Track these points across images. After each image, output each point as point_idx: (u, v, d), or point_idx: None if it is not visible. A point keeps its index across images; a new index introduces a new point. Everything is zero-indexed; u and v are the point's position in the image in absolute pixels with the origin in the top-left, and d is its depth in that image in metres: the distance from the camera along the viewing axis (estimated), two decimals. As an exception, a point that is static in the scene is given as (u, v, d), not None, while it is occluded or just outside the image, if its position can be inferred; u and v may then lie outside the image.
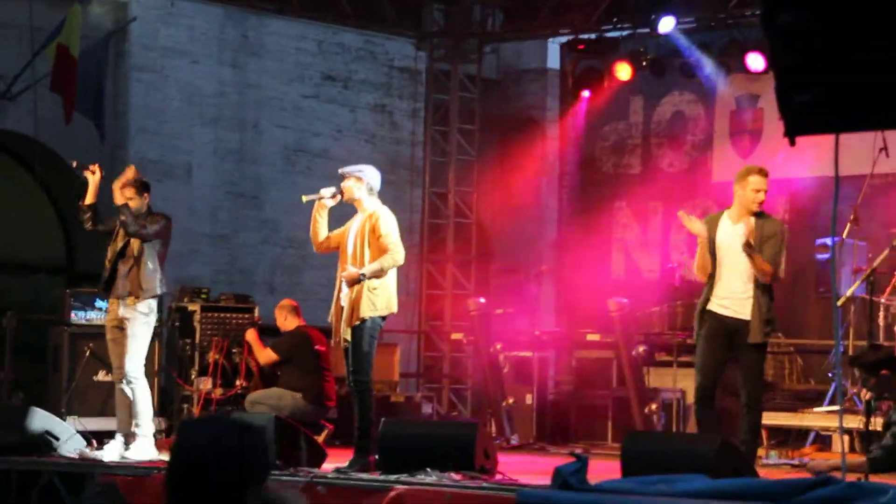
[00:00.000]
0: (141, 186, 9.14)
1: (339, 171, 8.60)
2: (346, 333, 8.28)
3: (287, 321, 11.00)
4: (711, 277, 8.20)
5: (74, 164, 9.41)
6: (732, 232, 8.14)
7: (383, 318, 8.34)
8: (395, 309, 8.45)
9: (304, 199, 8.59)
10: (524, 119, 15.78)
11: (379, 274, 8.22)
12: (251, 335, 11.07)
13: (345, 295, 8.30)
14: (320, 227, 8.51)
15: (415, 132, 15.26)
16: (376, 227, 8.25)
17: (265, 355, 10.87)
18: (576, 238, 14.83)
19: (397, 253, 8.26)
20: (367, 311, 8.20)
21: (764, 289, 8.07)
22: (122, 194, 9.06)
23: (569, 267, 14.75)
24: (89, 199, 9.17)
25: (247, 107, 14.30)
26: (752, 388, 8.11)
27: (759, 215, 8.17)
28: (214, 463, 2.96)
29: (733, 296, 8.09)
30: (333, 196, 8.46)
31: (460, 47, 14.83)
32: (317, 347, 10.78)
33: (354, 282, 8.20)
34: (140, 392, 8.92)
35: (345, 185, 8.43)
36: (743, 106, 13.87)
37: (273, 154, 14.47)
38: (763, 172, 8.22)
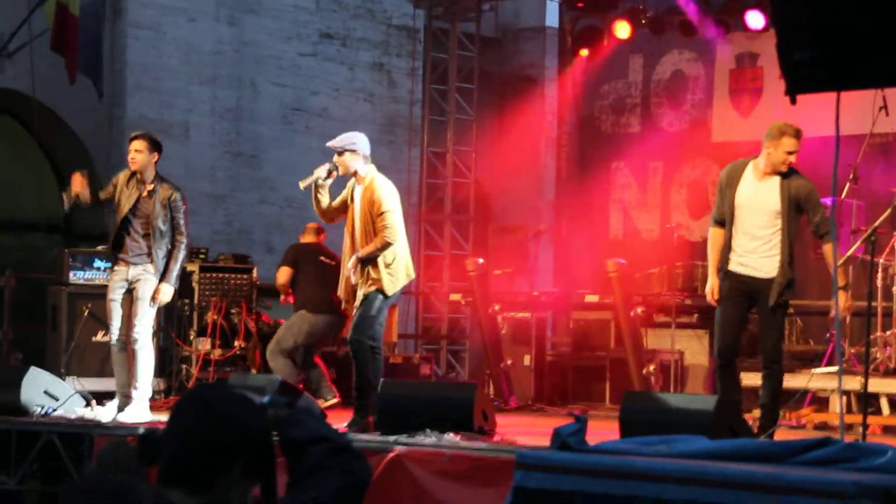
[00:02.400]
0: (154, 143, 9.06)
1: (329, 144, 8.40)
2: (359, 299, 8.24)
3: (304, 237, 11.04)
4: (726, 235, 7.96)
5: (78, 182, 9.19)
6: (756, 190, 7.89)
7: (396, 294, 8.35)
8: (413, 274, 8.45)
9: (302, 185, 8.43)
10: (523, 78, 15.73)
11: (374, 255, 8.19)
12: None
13: (354, 275, 8.24)
14: (324, 205, 8.41)
15: (413, 91, 15.20)
16: (375, 202, 8.20)
17: (279, 274, 10.75)
18: (574, 198, 14.80)
19: (390, 234, 8.17)
20: (390, 289, 8.21)
21: (788, 248, 7.85)
22: (132, 146, 9.00)
23: (567, 227, 14.73)
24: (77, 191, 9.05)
25: (244, 65, 14.24)
26: (771, 348, 7.93)
27: (785, 174, 7.90)
28: (194, 431, 2.94)
29: (750, 254, 7.88)
30: (330, 174, 8.38)
31: (459, 5, 14.75)
32: (322, 258, 10.61)
33: (357, 266, 8.19)
34: (144, 354, 8.92)
35: (339, 160, 8.33)
36: (743, 64, 13.81)
37: (271, 113, 14.42)
38: (798, 134, 7.91)
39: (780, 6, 4.14)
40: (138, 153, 8.96)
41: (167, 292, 8.96)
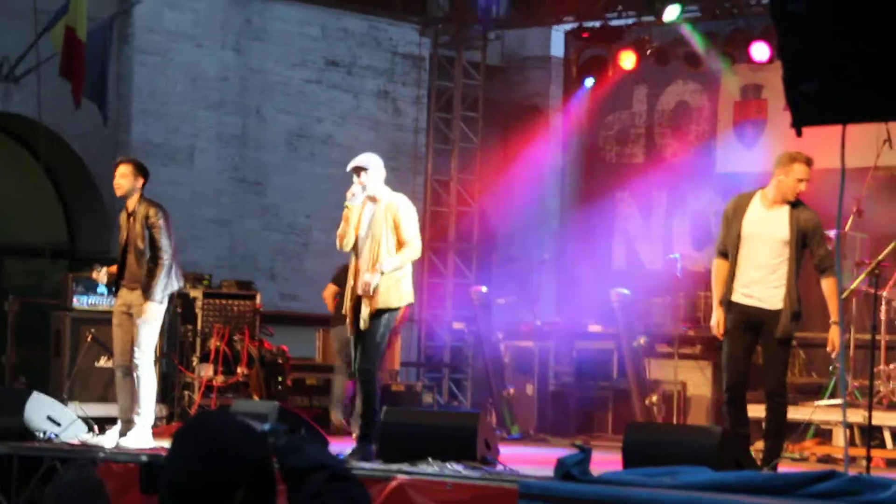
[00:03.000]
0: (139, 168, 9.04)
1: (353, 166, 8.31)
2: (364, 324, 8.20)
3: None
4: (731, 265, 7.89)
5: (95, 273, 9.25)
6: (764, 219, 7.83)
7: (399, 308, 8.32)
8: (412, 299, 8.44)
9: (350, 205, 8.22)
10: (527, 107, 15.75)
11: (399, 267, 8.19)
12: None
13: (363, 286, 8.21)
14: (352, 230, 8.37)
15: (418, 119, 15.23)
16: (397, 219, 8.19)
17: (325, 290, 11.44)
18: (578, 228, 14.81)
19: (417, 247, 8.24)
20: (395, 301, 8.18)
21: (794, 279, 7.78)
22: (117, 172, 9.00)
23: (571, 257, 14.74)
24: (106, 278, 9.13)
25: (250, 91, 14.28)
26: (775, 382, 7.83)
27: (794, 204, 7.85)
28: (197, 460, 2.92)
29: (755, 284, 7.79)
30: (363, 192, 8.32)
31: (464, 34, 14.79)
32: None
33: (376, 281, 8.14)
34: (145, 380, 8.91)
35: (364, 180, 8.28)
36: (747, 96, 13.84)
37: (276, 139, 14.45)
38: (809, 162, 7.88)
39: (786, 38, 4.14)
40: (123, 178, 8.96)
41: (149, 309, 8.82)
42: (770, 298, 7.82)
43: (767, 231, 7.82)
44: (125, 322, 8.98)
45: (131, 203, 8.98)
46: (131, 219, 8.98)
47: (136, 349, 8.89)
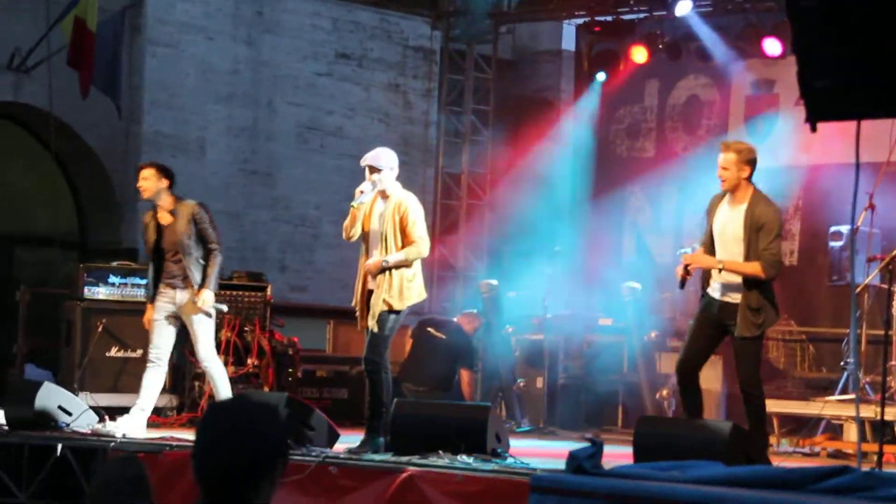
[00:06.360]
0: (161, 170, 9.11)
1: (366, 163, 8.29)
2: (373, 320, 8.20)
3: None
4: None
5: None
6: (727, 218, 7.84)
7: (403, 311, 8.32)
8: (425, 295, 8.45)
9: (355, 204, 8.30)
10: (538, 101, 15.74)
11: (403, 264, 8.19)
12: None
13: (374, 282, 8.22)
14: (359, 224, 8.38)
15: (428, 112, 15.23)
16: (405, 217, 8.20)
17: None
18: (589, 221, 14.78)
19: (423, 245, 8.24)
20: (399, 303, 8.18)
21: (754, 280, 7.72)
22: (140, 175, 9.07)
23: (581, 250, 14.71)
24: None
25: (261, 84, 14.28)
26: (745, 377, 7.83)
27: (753, 200, 7.81)
28: (237, 441, 3.01)
29: (725, 279, 7.79)
30: (372, 190, 8.34)
31: (475, 27, 14.77)
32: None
33: (379, 271, 8.16)
34: (217, 372, 9.06)
35: (377, 177, 8.28)
36: (759, 91, 13.81)
37: (286, 131, 14.46)
38: (723, 148, 7.85)
39: (800, 34, 4.13)
40: (145, 181, 9.05)
41: (206, 297, 8.99)
42: (734, 294, 7.80)
43: (729, 229, 7.84)
44: (170, 319, 9.04)
45: (165, 204, 9.06)
46: (168, 219, 9.05)
47: (199, 347, 9.02)
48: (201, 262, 9.03)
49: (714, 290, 7.89)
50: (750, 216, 7.76)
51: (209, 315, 9.05)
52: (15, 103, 12.93)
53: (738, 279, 7.78)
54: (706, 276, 7.94)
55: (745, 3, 13.10)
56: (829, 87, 4.08)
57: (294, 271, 14.28)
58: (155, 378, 8.98)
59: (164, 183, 9.05)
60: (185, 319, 9.02)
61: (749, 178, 7.85)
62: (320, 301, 13.72)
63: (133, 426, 8.87)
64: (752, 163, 7.84)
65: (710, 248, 7.94)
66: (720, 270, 7.76)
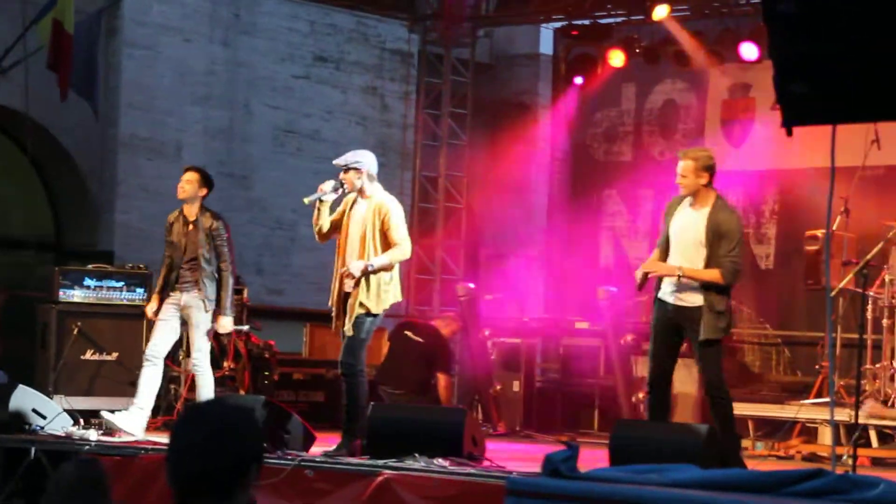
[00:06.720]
0: (205, 178, 9.20)
1: (336, 162, 8.40)
2: (349, 323, 8.19)
3: None
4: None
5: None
6: (687, 220, 7.80)
7: (380, 315, 8.31)
8: (400, 298, 8.45)
9: (306, 200, 8.45)
10: (516, 104, 15.76)
11: (387, 267, 8.18)
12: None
13: (350, 286, 8.20)
14: (323, 221, 8.42)
15: (406, 115, 15.22)
16: (386, 220, 8.19)
17: None
18: (565, 225, 14.81)
19: (406, 248, 8.24)
20: (377, 307, 8.17)
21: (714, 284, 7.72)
22: (183, 178, 9.12)
23: (558, 254, 14.74)
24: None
25: (237, 86, 14.25)
26: (710, 379, 7.83)
27: (715, 206, 7.79)
28: (213, 446, 3.00)
29: (681, 284, 7.74)
30: (335, 190, 8.38)
31: (453, 31, 14.78)
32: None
33: (363, 274, 8.14)
34: (205, 379, 9.12)
35: (345, 177, 8.33)
36: (735, 95, 13.86)
37: (263, 134, 14.42)
38: (681, 156, 7.86)
39: (777, 38, 4.14)
40: (188, 184, 9.17)
41: (225, 324, 9.16)
42: (691, 297, 7.76)
43: (688, 232, 7.80)
44: (174, 320, 9.09)
45: (191, 211, 9.17)
46: (190, 226, 9.14)
47: (194, 353, 9.11)
48: (215, 275, 9.11)
49: (666, 294, 7.86)
50: (713, 221, 7.76)
51: (210, 325, 9.12)
52: (-10, 105, 12.87)
53: (696, 285, 7.76)
54: (658, 281, 7.93)
55: (723, 7, 13.15)
56: (805, 91, 4.09)
57: (271, 274, 14.25)
58: (151, 376, 9.02)
59: (203, 191, 9.20)
60: (188, 322, 9.08)
61: (709, 184, 7.84)
62: (297, 304, 13.69)
63: (133, 426, 8.86)
64: (710, 169, 7.83)
65: (664, 250, 7.94)
66: (679, 278, 7.75)
